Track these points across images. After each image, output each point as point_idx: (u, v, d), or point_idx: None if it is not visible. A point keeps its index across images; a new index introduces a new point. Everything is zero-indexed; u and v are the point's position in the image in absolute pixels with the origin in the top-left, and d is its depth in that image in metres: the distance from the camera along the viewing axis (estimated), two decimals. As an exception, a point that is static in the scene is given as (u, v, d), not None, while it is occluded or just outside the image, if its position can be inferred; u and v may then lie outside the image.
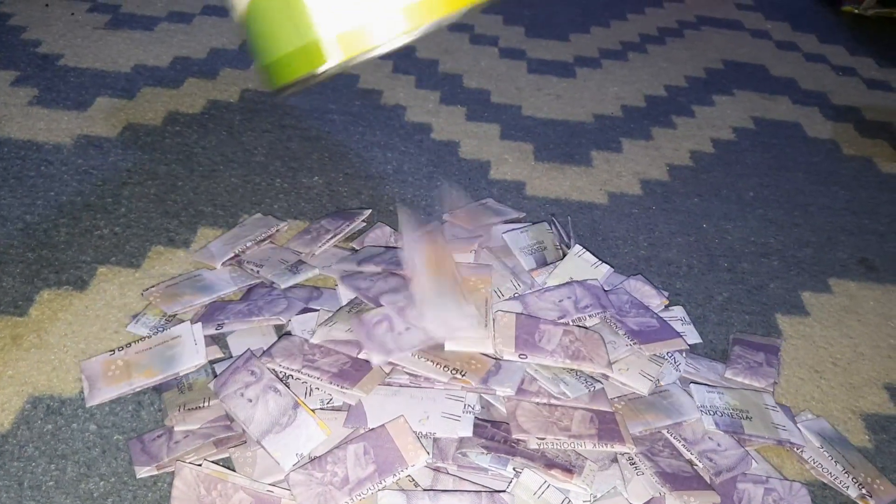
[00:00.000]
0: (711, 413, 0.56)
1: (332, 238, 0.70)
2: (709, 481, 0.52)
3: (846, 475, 0.55)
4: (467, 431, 0.50)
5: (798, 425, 0.59)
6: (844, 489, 0.55)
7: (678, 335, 0.60)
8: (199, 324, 0.58)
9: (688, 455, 0.53)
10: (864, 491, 0.54)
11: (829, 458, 0.56)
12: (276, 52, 0.52)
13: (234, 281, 0.64)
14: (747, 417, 0.57)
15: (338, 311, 0.59)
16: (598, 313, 0.59)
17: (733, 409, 0.57)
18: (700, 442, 0.54)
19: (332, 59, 0.50)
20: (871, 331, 0.71)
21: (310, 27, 0.49)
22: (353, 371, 0.54)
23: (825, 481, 0.56)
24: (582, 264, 0.68)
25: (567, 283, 0.63)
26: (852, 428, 0.61)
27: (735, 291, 0.74)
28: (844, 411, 0.62)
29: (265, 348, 0.56)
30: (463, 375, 0.53)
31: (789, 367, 0.66)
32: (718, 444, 0.54)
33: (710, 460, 0.53)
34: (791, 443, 0.56)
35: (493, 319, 0.57)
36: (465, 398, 0.52)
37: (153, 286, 0.65)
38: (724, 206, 0.88)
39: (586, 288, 0.62)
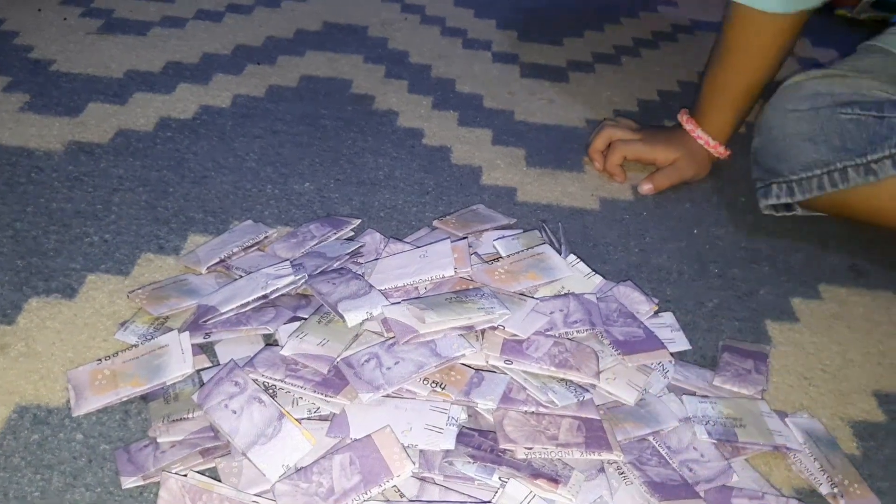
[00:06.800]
0: (703, 423, 0.56)
1: (317, 244, 0.70)
2: (695, 490, 0.52)
3: (822, 473, 0.55)
4: (450, 444, 0.50)
5: (786, 420, 0.59)
6: (818, 486, 0.55)
7: (663, 346, 0.60)
8: (187, 333, 0.58)
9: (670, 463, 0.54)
10: (835, 490, 0.54)
11: (809, 454, 0.56)
12: None
13: (220, 286, 0.64)
14: (741, 425, 0.57)
15: (307, 320, 0.58)
16: (586, 329, 0.59)
17: (726, 418, 0.57)
18: (683, 451, 0.54)
19: None
20: (860, 337, 0.72)
21: None
22: (337, 379, 0.54)
23: (803, 478, 0.56)
24: (575, 274, 0.68)
25: (563, 295, 0.63)
26: (841, 435, 0.61)
27: (725, 298, 0.74)
28: (833, 418, 0.62)
29: (251, 357, 0.56)
30: (443, 388, 0.53)
31: (778, 374, 0.66)
32: (702, 455, 0.54)
33: (691, 470, 0.53)
34: (787, 448, 0.56)
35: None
36: (449, 410, 0.52)
37: (139, 288, 0.65)
38: (715, 211, 0.88)
39: (580, 303, 0.62)
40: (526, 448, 0.51)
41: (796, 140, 0.79)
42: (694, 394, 0.60)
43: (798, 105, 0.80)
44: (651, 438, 0.55)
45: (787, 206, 0.85)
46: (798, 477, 0.56)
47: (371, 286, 0.60)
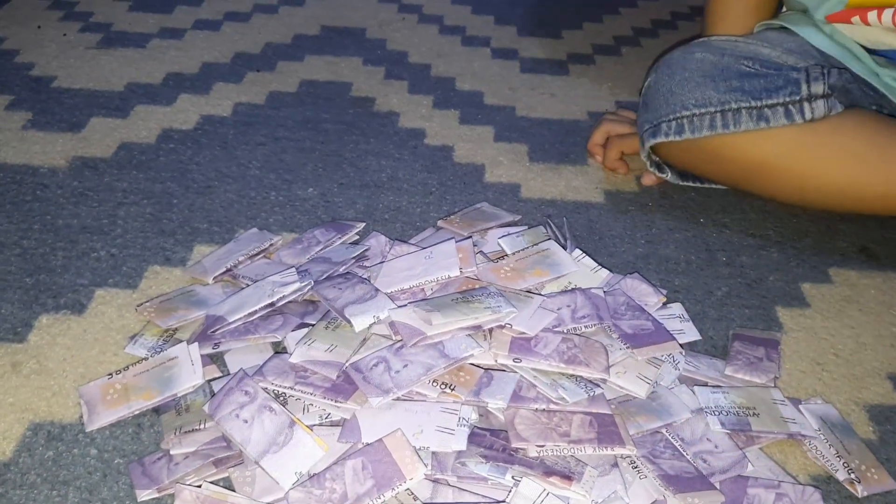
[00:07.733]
0: (716, 413, 0.56)
1: (322, 249, 0.70)
2: (710, 482, 0.52)
3: (838, 459, 0.55)
4: (461, 445, 0.50)
5: (800, 407, 0.59)
6: (834, 472, 0.55)
7: (672, 338, 0.59)
8: (196, 343, 0.58)
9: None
10: (852, 476, 0.54)
11: (825, 441, 0.56)
12: None
13: (227, 296, 0.64)
14: (755, 414, 0.56)
15: (315, 326, 0.59)
16: (594, 324, 0.59)
17: (739, 407, 0.57)
18: (697, 443, 0.54)
19: None
20: (872, 320, 0.71)
21: None
22: (346, 385, 0.54)
23: (819, 464, 0.56)
24: (581, 269, 0.67)
25: (570, 290, 0.63)
26: (856, 420, 0.60)
27: (734, 285, 0.74)
28: (847, 403, 0.62)
29: (260, 366, 0.56)
30: (452, 389, 0.53)
31: (790, 361, 0.66)
32: (716, 446, 0.54)
33: (705, 461, 0.53)
34: (802, 435, 0.56)
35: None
36: (460, 411, 0.52)
37: (147, 301, 0.65)
38: (721, 199, 0.87)
39: (588, 297, 0.61)
40: (538, 446, 0.51)
41: (696, 75, 0.80)
42: (706, 384, 0.60)
43: (704, 50, 0.82)
44: (664, 431, 0.55)
45: (660, 168, 0.86)
46: (814, 464, 0.56)
47: (377, 290, 0.60)
